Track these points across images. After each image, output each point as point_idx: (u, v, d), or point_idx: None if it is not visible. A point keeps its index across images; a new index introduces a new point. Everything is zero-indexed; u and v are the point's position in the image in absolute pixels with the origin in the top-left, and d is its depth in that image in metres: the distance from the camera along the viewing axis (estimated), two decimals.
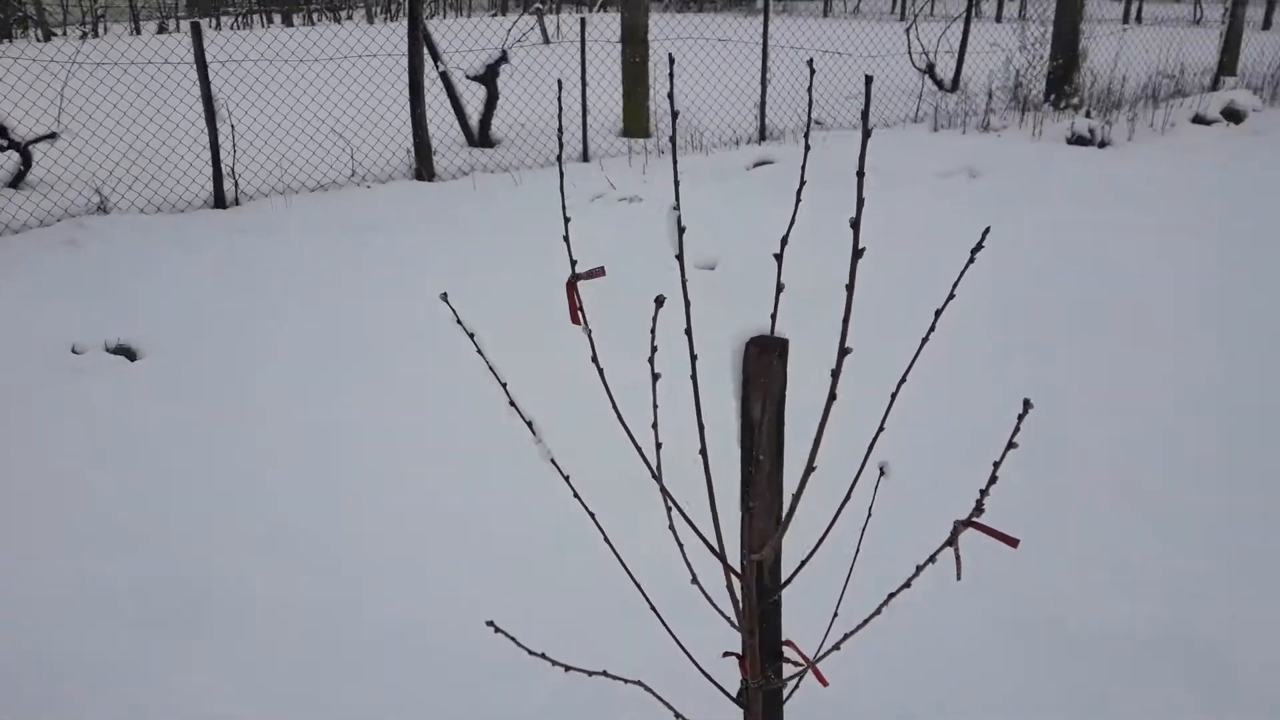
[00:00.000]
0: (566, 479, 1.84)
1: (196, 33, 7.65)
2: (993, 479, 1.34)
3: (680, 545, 1.63)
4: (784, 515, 1.58)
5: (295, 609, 2.85)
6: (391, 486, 3.55)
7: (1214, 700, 2.41)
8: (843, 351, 1.36)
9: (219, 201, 7.70)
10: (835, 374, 1.38)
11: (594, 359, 1.78)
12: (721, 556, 1.73)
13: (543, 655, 1.65)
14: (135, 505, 3.42)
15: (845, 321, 1.35)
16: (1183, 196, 7.04)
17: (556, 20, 22.63)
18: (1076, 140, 9.38)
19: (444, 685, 2.55)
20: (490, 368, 1.86)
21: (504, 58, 9.88)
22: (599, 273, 1.80)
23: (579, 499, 1.84)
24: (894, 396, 1.59)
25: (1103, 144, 9.35)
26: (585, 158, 9.53)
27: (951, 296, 1.55)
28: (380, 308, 5.28)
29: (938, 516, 3.10)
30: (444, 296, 1.86)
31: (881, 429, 1.61)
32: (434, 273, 5.82)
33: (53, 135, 7.96)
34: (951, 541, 1.40)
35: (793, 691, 1.86)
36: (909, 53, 12.32)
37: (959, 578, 1.40)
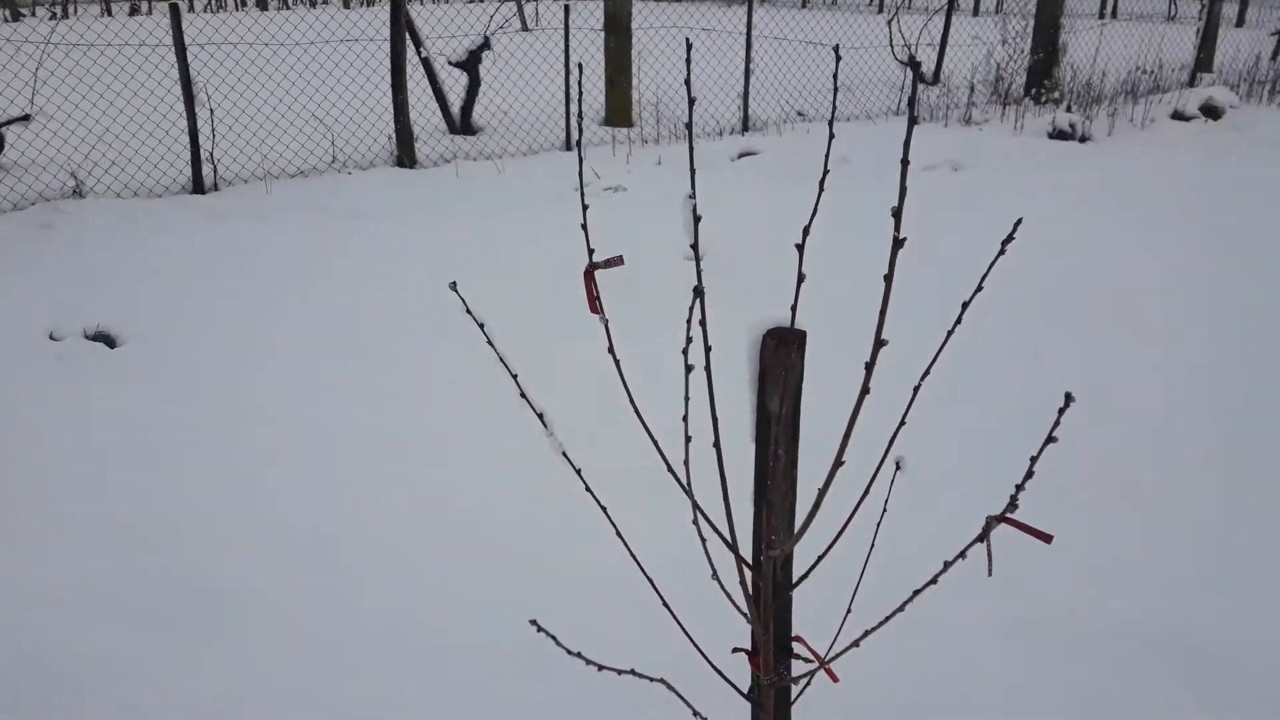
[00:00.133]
0: (578, 472, 1.81)
1: (175, 15, 7.52)
2: (1029, 474, 1.32)
3: (704, 541, 1.60)
4: (809, 510, 1.56)
5: (296, 606, 2.81)
6: (388, 480, 3.51)
7: (1214, 699, 2.42)
8: (878, 344, 1.34)
9: (197, 186, 7.59)
10: (869, 367, 1.36)
11: (610, 350, 1.75)
12: (735, 550, 1.71)
13: (579, 655, 1.63)
14: (125, 498, 3.35)
15: (882, 313, 1.33)
16: (1165, 191, 7.09)
17: (535, 7, 22.48)
18: (1058, 135, 9.43)
19: (447, 682, 2.52)
20: (500, 358, 1.82)
21: (486, 44, 9.79)
22: (617, 261, 1.76)
23: (591, 493, 1.81)
24: (916, 390, 1.58)
25: (1084, 139, 9.40)
26: (568, 146, 9.47)
27: (979, 289, 1.53)
28: (368, 298, 5.22)
29: (929, 508, 3.10)
30: (453, 286, 1.82)
31: (903, 423, 1.60)
32: (422, 262, 5.75)
33: (26, 118, 7.81)
34: (983, 537, 1.38)
35: (804, 689, 1.84)
36: (891, 45, 12.33)
37: (990, 573, 1.39)
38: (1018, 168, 7.98)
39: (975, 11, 24.95)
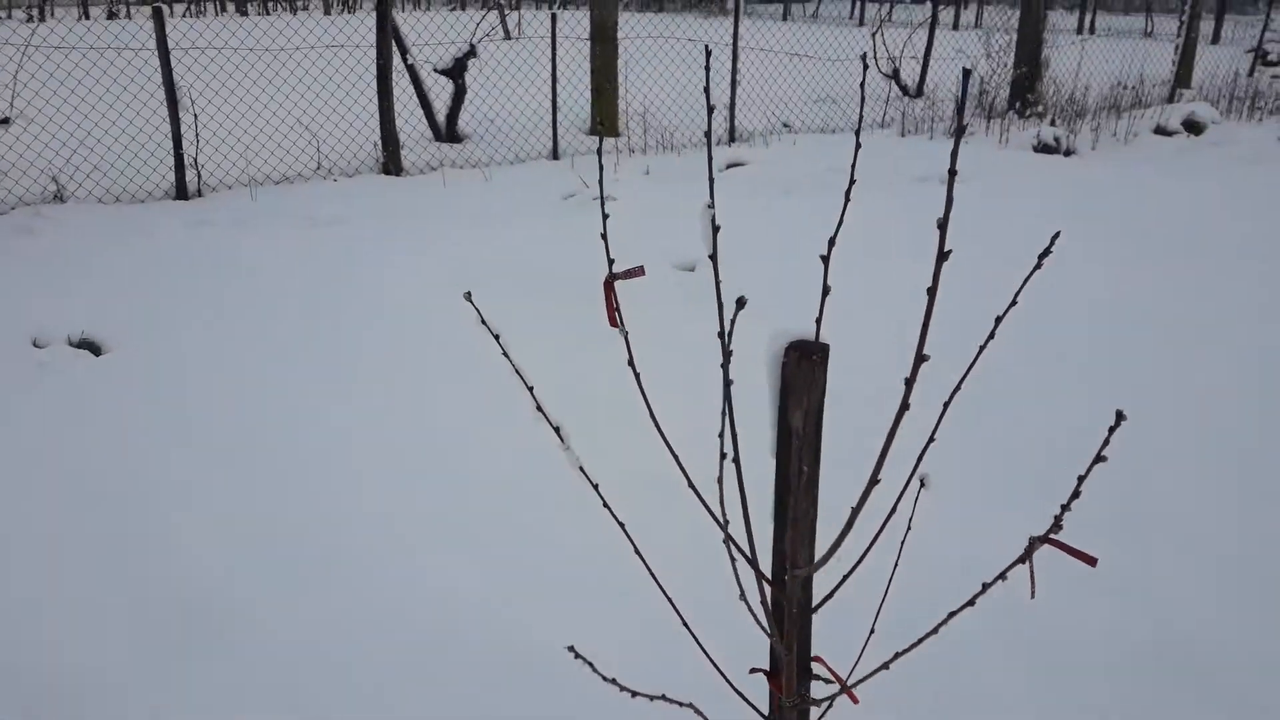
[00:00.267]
0: (595, 487, 1.77)
1: (159, 17, 7.44)
2: (1075, 494, 1.29)
3: (734, 562, 1.56)
4: (842, 529, 1.52)
5: (294, 621, 2.75)
6: (381, 488, 3.45)
7: (1215, 710, 2.40)
8: (919, 359, 1.30)
9: (180, 192, 7.50)
10: (909, 382, 1.33)
11: (630, 363, 1.71)
12: (759, 570, 1.67)
13: (613, 681, 1.59)
14: (111, 506, 3.28)
15: (925, 327, 1.29)
16: (1152, 204, 7.13)
17: (518, 16, 22.45)
18: (1042, 148, 9.48)
19: (445, 697, 2.46)
20: (516, 370, 1.78)
21: (472, 51, 9.75)
22: (638, 272, 1.72)
23: (609, 509, 1.77)
24: (946, 406, 1.54)
25: (1068, 152, 9.46)
26: (555, 155, 9.44)
27: (1014, 304, 1.51)
28: (355, 306, 5.15)
29: (949, 524, 3.08)
30: (468, 296, 1.78)
31: (932, 439, 1.56)
32: (410, 270, 5.69)
33: (5, 120, 7.71)
34: (1025, 558, 1.35)
35: (826, 711, 1.80)
36: (874, 58, 12.38)
37: (1033, 595, 1.35)
38: (1006, 181, 8.02)
39: (955, 25, 25.14)
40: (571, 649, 1.59)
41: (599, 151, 1.58)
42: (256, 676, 2.53)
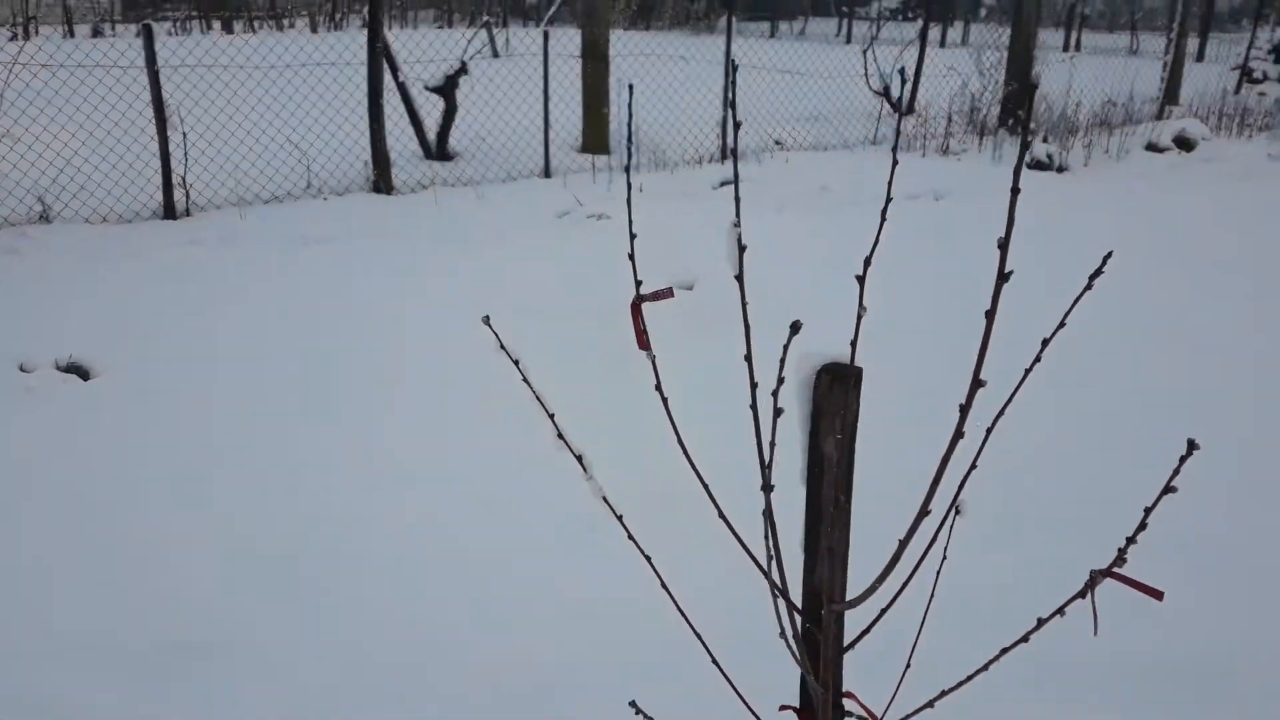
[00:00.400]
0: (619, 518, 1.69)
1: (148, 34, 7.36)
2: (1142, 525, 1.22)
3: (774, 597, 1.48)
4: (889, 562, 1.44)
5: (297, 656, 2.65)
6: (379, 514, 3.36)
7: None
8: (975, 384, 1.23)
9: (169, 212, 7.40)
10: (964, 409, 1.26)
11: (658, 387, 1.63)
12: (790, 602, 1.60)
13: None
14: (101, 534, 3.18)
15: (982, 351, 1.22)
16: (1147, 220, 7.11)
17: (506, 35, 22.45)
18: (1035, 165, 9.48)
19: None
20: (537, 396, 1.70)
21: (463, 69, 9.70)
22: (666, 294, 1.65)
23: (633, 540, 1.69)
24: (989, 431, 1.47)
25: (1061, 169, 9.46)
26: (547, 173, 9.38)
27: (1062, 325, 1.44)
28: (346, 328, 5.06)
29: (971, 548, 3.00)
30: (486, 320, 1.71)
31: (974, 466, 1.49)
32: (403, 290, 5.61)
33: None
34: (1084, 593, 1.28)
35: None
36: (865, 75, 12.38)
37: (1095, 632, 1.28)
38: (1000, 197, 7.98)
39: (943, 43, 25.26)
40: (633, 704, 1.51)
41: (627, 169, 1.51)
42: (249, 701, 2.43)
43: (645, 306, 1.77)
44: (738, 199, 1.58)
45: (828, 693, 1.62)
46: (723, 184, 8.81)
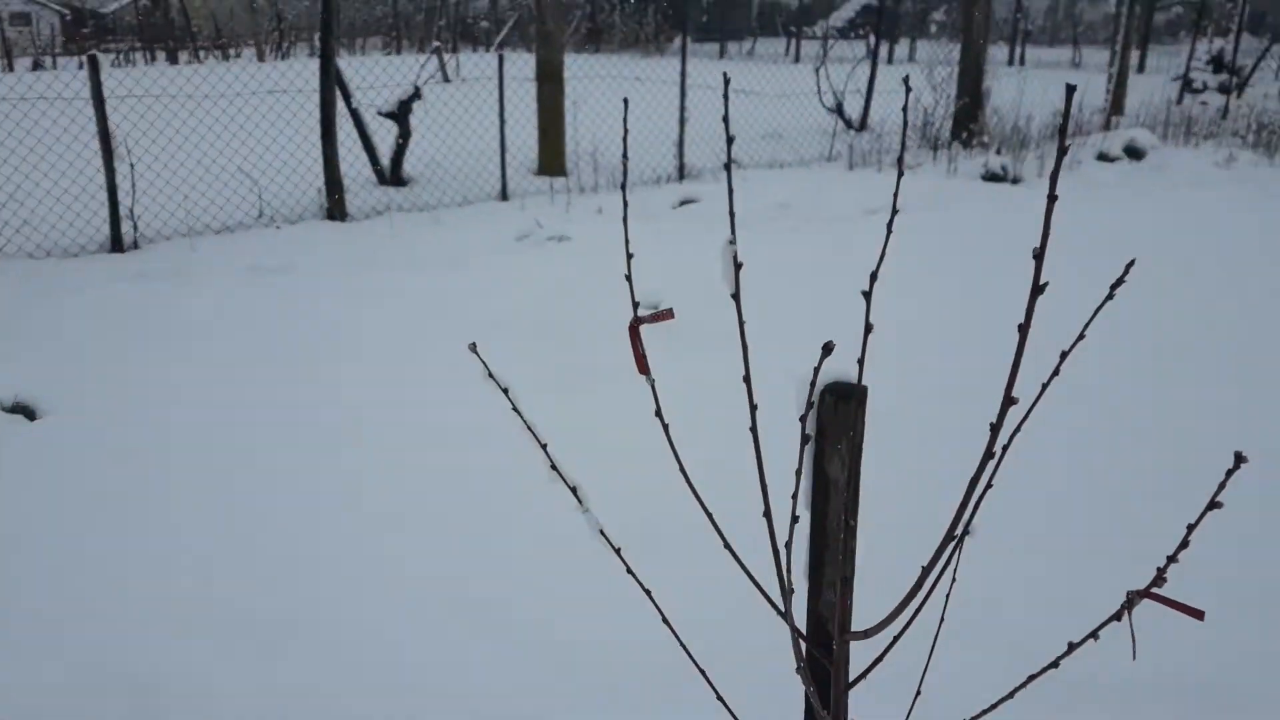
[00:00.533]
0: (618, 551, 1.60)
1: (94, 65, 7.18)
2: (1183, 544, 1.15)
3: (794, 637, 1.39)
4: (909, 591, 1.36)
5: (256, 706, 2.51)
6: (339, 558, 3.22)
7: None
8: (1007, 401, 1.16)
9: (116, 245, 7.19)
10: (995, 428, 1.18)
11: (658, 413, 1.55)
12: (802, 636, 1.51)
13: None
14: (52, 581, 3.01)
15: (1015, 368, 1.15)
16: (1105, 224, 7.17)
17: (456, 60, 22.35)
18: (990, 177, 9.55)
19: None
20: (529, 427, 1.61)
21: (417, 94, 9.58)
22: (666, 315, 1.56)
23: (633, 575, 1.60)
24: (1005, 449, 1.40)
25: (1015, 180, 9.54)
26: (504, 196, 9.28)
27: (1081, 337, 1.37)
28: (301, 359, 4.91)
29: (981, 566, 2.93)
30: (473, 347, 1.62)
31: (990, 485, 1.42)
32: (361, 319, 5.48)
33: None
34: (1121, 614, 1.21)
35: None
36: (818, 93, 12.45)
37: (1135, 657, 1.21)
38: (959, 209, 8.03)
39: (890, 60, 25.57)
40: None
41: (623, 186, 1.43)
42: None
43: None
44: (732, 214, 1.51)
45: None
46: (682, 203, 8.77)
